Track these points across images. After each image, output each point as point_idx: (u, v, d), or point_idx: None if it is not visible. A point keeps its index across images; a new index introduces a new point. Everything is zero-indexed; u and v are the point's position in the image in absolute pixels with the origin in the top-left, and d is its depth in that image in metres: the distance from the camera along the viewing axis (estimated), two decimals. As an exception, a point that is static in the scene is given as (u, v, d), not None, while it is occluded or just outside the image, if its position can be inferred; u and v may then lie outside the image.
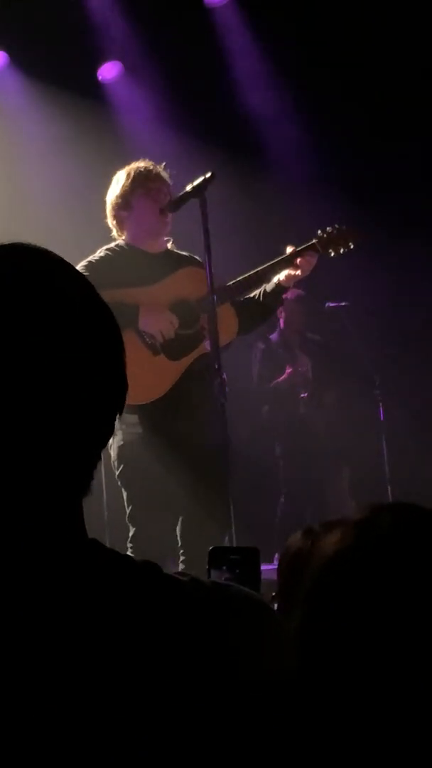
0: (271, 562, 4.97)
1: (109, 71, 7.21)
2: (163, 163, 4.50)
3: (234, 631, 1.09)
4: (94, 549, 1.11)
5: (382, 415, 6.73)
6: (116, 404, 1.13)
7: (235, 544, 3.87)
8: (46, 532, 1.08)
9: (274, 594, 2.06)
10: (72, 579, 1.06)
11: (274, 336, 6.98)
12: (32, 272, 1.10)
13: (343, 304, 6.80)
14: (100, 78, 7.23)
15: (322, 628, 1.12)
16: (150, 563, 1.11)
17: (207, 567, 1.60)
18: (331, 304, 6.84)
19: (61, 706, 1.00)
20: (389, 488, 6.53)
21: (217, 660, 1.05)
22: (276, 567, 2.17)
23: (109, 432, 1.13)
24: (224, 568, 1.59)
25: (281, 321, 6.92)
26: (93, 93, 7.16)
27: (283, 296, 4.66)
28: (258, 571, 1.61)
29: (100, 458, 1.13)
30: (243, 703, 1.02)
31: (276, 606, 1.97)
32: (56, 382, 1.07)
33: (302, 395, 6.85)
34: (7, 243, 1.12)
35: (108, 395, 1.12)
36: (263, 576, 2.43)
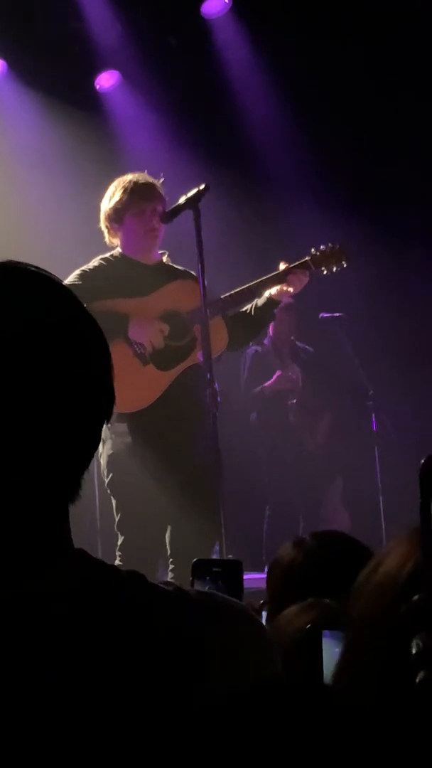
0: (261, 570, 4.99)
1: (106, 80, 7.22)
2: (161, 179, 4.51)
3: (219, 639, 1.10)
4: (80, 558, 1.13)
5: (374, 426, 6.75)
6: (102, 414, 1.16)
7: (225, 554, 3.89)
8: (32, 541, 1.10)
9: (262, 602, 2.09)
10: (57, 588, 1.08)
11: (263, 344, 6.98)
12: (20, 290, 1.14)
13: (336, 314, 6.82)
14: (97, 87, 7.24)
15: None
16: (135, 573, 1.13)
17: (191, 579, 1.62)
18: (325, 315, 6.85)
19: (42, 713, 1.02)
20: (381, 499, 6.54)
21: (202, 668, 1.07)
22: (265, 576, 2.20)
23: (95, 441, 1.16)
24: (207, 579, 1.61)
25: (270, 329, 6.91)
26: (90, 102, 7.18)
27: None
28: (240, 583, 1.63)
29: (86, 466, 1.16)
30: (228, 710, 1.04)
31: (265, 614, 1.99)
32: (41, 394, 1.10)
33: (291, 401, 6.85)
34: None
35: (93, 406, 1.15)
36: (253, 584, 2.46)
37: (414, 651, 0.96)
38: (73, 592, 1.08)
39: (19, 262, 1.16)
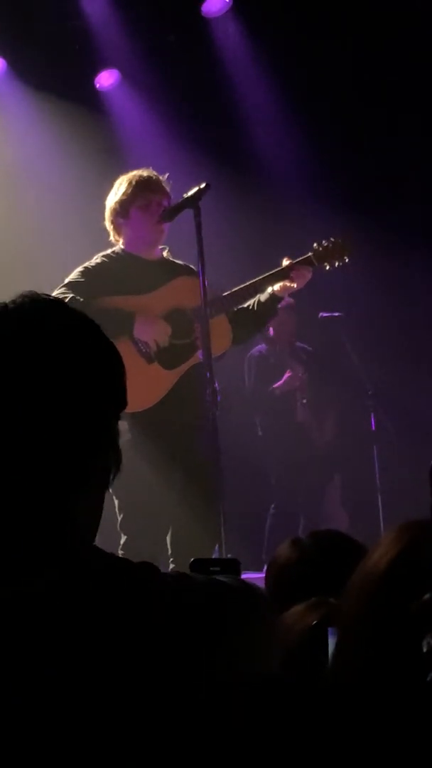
0: (261, 570, 4.98)
1: (106, 79, 7.22)
2: (166, 174, 4.52)
3: (228, 619, 1.14)
4: (91, 552, 1.16)
5: (373, 425, 6.75)
6: (111, 410, 1.26)
7: (225, 554, 3.89)
8: (34, 538, 1.13)
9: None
10: (61, 583, 1.10)
11: (264, 345, 7.00)
12: (40, 316, 1.27)
13: (336, 314, 6.82)
14: (97, 86, 7.24)
15: None
16: (147, 564, 1.18)
17: None
18: (325, 314, 6.86)
19: (59, 700, 1.03)
20: (380, 498, 6.55)
21: (215, 648, 1.09)
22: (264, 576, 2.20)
23: (104, 440, 1.23)
24: None
25: (271, 330, 6.93)
26: (90, 100, 7.17)
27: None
28: None
29: (94, 462, 1.21)
30: (236, 690, 1.05)
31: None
32: (50, 399, 1.19)
33: (302, 401, 6.86)
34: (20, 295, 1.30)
35: (101, 403, 1.24)
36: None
37: (425, 650, 0.96)
38: (88, 583, 1.10)
39: (38, 294, 1.31)
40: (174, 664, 1.07)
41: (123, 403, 1.28)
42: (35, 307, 1.27)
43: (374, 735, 1.00)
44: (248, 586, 1.22)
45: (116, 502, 4.35)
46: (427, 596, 0.99)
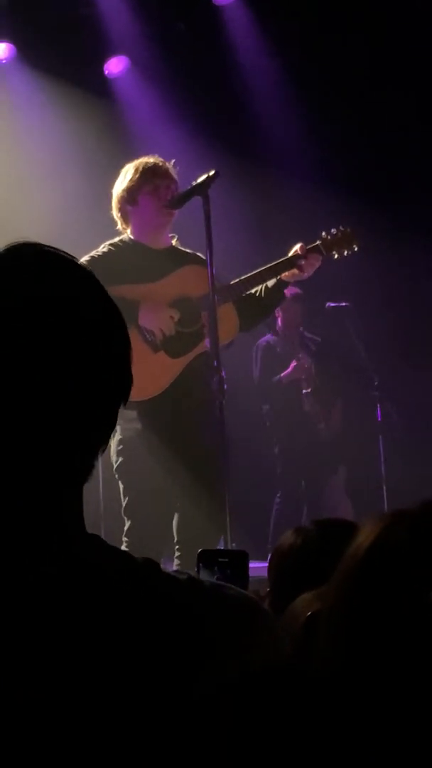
0: (265, 559, 4.98)
1: (115, 66, 7.22)
2: (173, 161, 4.50)
3: (230, 627, 1.10)
4: (94, 544, 1.11)
5: (379, 416, 6.75)
6: (117, 398, 1.14)
7: (230, 542, 3.88)
8: (43, 526, 1.09)
9: (269, 589, 2.09)
10: (69, 574, 1.06)
11: (273, 335, 7.00)
12: (40, 272, 1.12)
13: (343, 304, 6.81)
14: (106, 72, 7.23)
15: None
16: (150, 561, 1.11)
17: (196, 568, 1.61)
18: (332, 304, 6.85)
19: (54, 699, 1.00)
20: (384, 488, 6.55)
21: (212, 654, 1.06)
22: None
23: (109, 425, 1.13)
24: (215, 568, 1.60)
25: (279, 320, 6.93)
26: (99, 87, 7.17)
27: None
28: (246, 574, 1.62)
29: (99, 450, 1.13)
30: (234, 699, 1.03)
31: (268, 602, 1.99)
32: (57, 377, 1.08)
33: (305, 391, 6.86)
34: (16, 243, 1.14)
35: (109, 389, 1.13)
36: (258, 573, 2.46)
37: None
38: (85, 579, 1.06)
39: (36, 243, 1.14)
40: (172, 662, 1.04)
41: (129, 386, 1.15)
42: (39, 263, 1.11)
43: (351, 722, 1.00)
44: (250, 596, 1.17)
45: (121, 487, 4.36)
46: None
